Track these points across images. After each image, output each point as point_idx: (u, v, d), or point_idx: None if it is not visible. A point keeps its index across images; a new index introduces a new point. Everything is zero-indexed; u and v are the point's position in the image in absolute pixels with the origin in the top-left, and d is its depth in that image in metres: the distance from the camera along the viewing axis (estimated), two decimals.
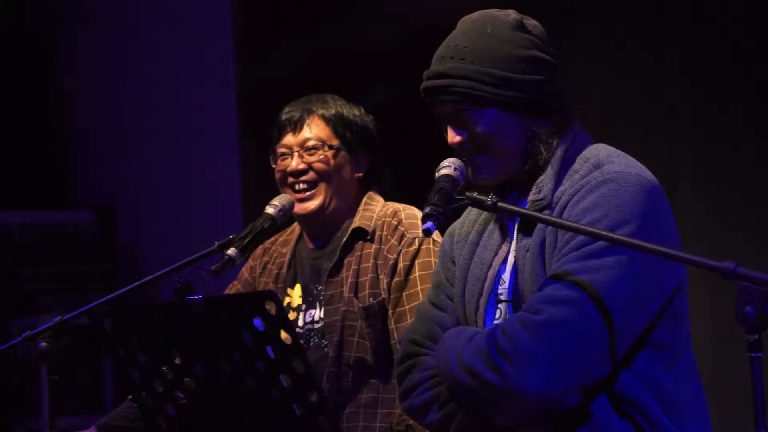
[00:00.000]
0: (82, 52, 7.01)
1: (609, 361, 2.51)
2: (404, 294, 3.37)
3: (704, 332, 4.22)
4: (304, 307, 3.53)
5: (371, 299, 3.41)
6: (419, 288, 3.35)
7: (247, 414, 2.83)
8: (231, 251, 3.21)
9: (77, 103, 7.07)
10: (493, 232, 2.77)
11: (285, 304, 3.54)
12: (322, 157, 3.47)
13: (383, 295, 3.40)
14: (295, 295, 3.56)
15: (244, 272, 3.67)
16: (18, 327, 6.02)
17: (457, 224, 2.88)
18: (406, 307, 3.34)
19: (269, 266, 3.62)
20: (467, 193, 2.61)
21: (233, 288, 3.66)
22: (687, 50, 4.38)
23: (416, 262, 3.39)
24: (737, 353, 2.42)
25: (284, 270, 3.58)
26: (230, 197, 5.97)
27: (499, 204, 2.56)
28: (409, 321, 3.20)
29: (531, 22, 2.76)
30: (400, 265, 3.39)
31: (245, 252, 3.25)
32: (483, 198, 2.57)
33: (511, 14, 2.74)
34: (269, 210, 3.41)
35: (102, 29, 6.90)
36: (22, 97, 6.94)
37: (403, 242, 3.41)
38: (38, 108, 7.03)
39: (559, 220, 2.55)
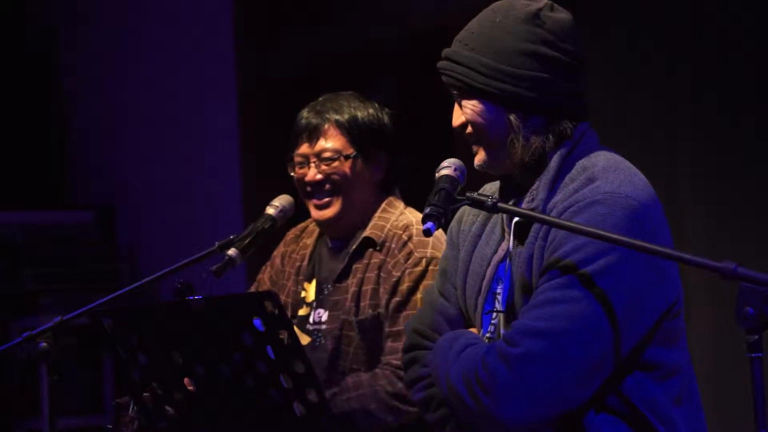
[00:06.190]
0: (82, 52, 7.01)
1: (588, 389, 2.51)
2: (401, 315, 3.33)
3: (705, 332, 4.22)
4: (315, 304, 3.53)
5: (369, 311, 3.39)
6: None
7: (247, 414, 2.83)
8: (231, 252, 3.21)
9: (77, 103, 7.07)
10: (494, 227, 2.75)
11: (300, 297, 3.54)
12: (338, 167, 3.44)
13: (380, 310, 3.38)
14: (310, 291, 3.54)
15: (276, 257, 3.66)
16: (18, 327, 6.02)
17: (466, 208, 2.84)
18: (402, 328, 3.31)
19: (294, 255, 3.62)
20: (467, 194, 2.61)
21: (265, 271, 3.65)
22: (687, 50, 4.38)
23: (421, 284, 3.34)
24: (737, 353, 2.41)
25: (305, 262, 3.57)
26: (230, 197, 5.97)
27: (499, 204, 2.55)
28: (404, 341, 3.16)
29: (554, 15, 2.66)
30: (404, 285, 3.35)
31: (246, 252, 3.24)
32: (483, 198, 2.57)
33: (534, 4, 2.66)
34: (270, 210, 3.40)
35: (102, 29, 6.90)
36: (23, 97, 6.94)
37: (409, 261, 3.37)
38: (38, 108, 7.02)
39: (556, 220, 2.53)
